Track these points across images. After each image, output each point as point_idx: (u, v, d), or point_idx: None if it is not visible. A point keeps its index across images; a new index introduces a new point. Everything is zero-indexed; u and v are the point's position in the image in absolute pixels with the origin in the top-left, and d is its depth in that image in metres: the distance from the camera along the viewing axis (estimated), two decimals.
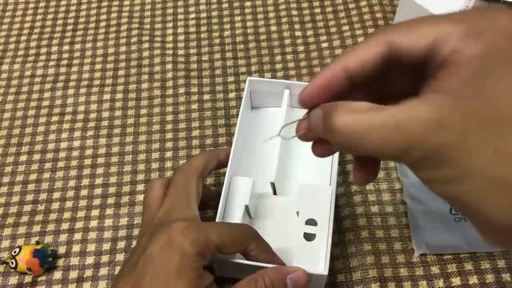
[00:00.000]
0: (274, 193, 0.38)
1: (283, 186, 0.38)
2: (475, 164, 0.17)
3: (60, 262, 0.39)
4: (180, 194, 0.33)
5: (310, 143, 0.26)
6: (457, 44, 0.19)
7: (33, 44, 0.52)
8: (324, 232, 0.34)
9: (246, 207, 0.36)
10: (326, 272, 0.31)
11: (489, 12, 0.19)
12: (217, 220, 0.34)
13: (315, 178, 0.39)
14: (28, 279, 0.38)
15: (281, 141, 0.38)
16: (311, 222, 0.34)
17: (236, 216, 0.35)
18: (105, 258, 0.39)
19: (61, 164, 0.44)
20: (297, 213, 0.36)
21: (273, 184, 0.37)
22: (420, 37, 0.20)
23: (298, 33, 0.51)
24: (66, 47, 0.52)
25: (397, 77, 0.23)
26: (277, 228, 0.37)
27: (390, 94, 0.24)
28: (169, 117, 0.46)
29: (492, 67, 0.18)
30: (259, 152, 0.41)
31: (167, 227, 0.29)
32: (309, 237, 0.34)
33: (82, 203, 0.41)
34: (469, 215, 0.18)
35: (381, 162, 0.41)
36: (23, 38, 0.53)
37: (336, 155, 0.37)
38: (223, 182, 0.38)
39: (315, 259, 0.33)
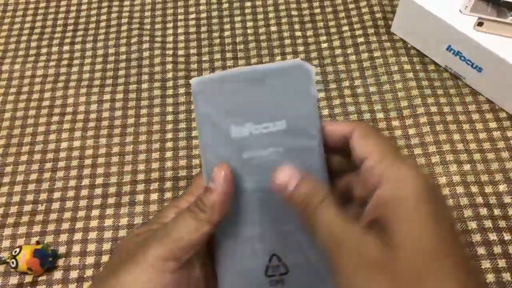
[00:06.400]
0: None
1: None
2: None
3: (61, 262, 0.39)
4: None
5: None
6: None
7: (33, 44, 0.52)
8: None
9: None
10: None
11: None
12: None
13: None
14: (28, 279, 0.38)
15: None
16: None
17: None
18: (105, 258, 0.39)
19: (61, 164, 0.44)
20: None
21: None
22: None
23: (298, 33, 0.51)
24: (66, 47, 0.52)
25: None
26: None
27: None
28: (169, 117, 0.46)
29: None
30: None
31: None
32: None
33: (83, 203, 0.42)
34: None
35: None
36: (24, 38, 0.53)
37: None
38: None
39: None
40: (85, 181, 0.43)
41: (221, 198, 0.25)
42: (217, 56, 0.50)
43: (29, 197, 0.42)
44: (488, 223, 0.38)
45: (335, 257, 0.21)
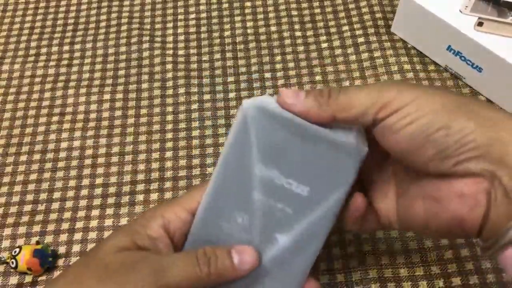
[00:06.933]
0: None
1: None
2: None
3: (61, 262, 0.39)
4: None
5: None
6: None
7: (33, 44, 0.52)
8: None
9: None
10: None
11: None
12: None
13: None
14: (28, 279, 0.38)
15: None
16: None
17: None
18: None
19: (61, 164, 0.44)
20: None
21: None
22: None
23: (298, 33, 0.51)
24: (66, 47, 0.52)
25: None
26: None
27: None
28: (169, 117, 0.46)
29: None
30: None
31: None
32: None
33: (82, 203, 0.41)
34: None
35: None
36: (23, 38, 0.53)
37: None
38: None
39: None
40: (85, 181, 0.43)
41: (234, 275, 0.25)
42: (217, 56, 0.50)
43: (29, 197, 0.42)
44: None
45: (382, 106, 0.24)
